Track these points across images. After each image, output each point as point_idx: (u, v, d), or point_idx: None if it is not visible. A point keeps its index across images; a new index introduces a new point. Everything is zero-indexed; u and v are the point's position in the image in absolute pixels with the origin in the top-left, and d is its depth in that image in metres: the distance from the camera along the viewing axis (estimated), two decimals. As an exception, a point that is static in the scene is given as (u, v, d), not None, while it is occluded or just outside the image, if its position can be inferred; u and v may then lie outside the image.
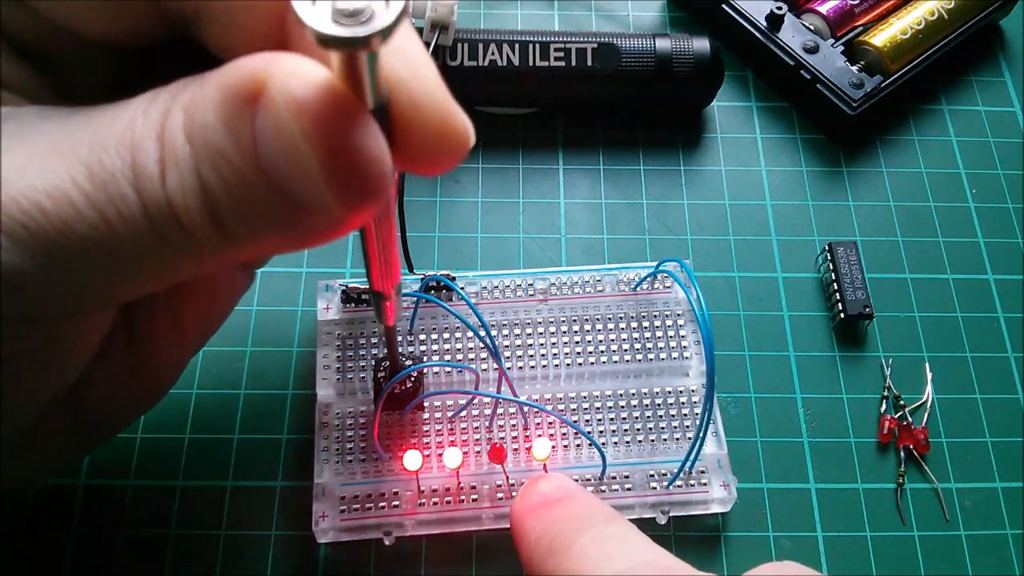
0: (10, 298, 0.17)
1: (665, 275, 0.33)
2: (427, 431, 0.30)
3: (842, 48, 0.38)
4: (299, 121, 0.16)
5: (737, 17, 0.39)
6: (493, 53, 0.36)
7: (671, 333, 0.32)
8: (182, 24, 0.20)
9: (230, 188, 0.17)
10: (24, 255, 0.17)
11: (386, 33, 0.14)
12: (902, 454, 0.32)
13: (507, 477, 0.29)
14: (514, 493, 0.29)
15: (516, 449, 0.30)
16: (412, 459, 0.28)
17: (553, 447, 0.30)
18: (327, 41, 0.14)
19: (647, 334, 0.32)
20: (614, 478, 0.29)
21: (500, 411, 0.30)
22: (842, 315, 0.33)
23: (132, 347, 0.24)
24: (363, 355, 0.31)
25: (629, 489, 0.29)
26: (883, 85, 0.37)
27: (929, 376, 0.33)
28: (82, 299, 0.19)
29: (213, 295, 0.26)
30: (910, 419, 0.32)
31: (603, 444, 0.30)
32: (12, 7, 0.19)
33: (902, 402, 0.33)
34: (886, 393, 0.33)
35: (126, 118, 0.17)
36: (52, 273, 0.17)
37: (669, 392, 0.31)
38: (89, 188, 0.17)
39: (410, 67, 0.18)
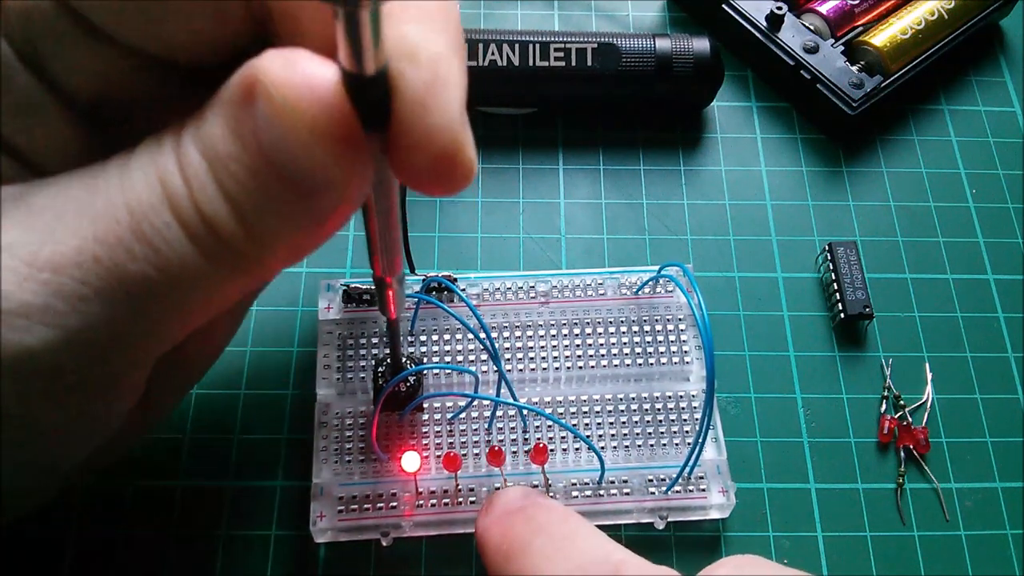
0: (83, 365, 0.18)
1: (667, 279, 0.32)
2: (426, 432, 0.30)
3: (842, 48, 0.38)
4: (283, 91, 0.16)
5: (737, 17, 0.39)
6: (493, 53, 0.36)
7: (672, 338, 0.32)
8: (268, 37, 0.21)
9: (245, 186, 0.18)
10: (89, 314, 0.18)
11: None
12: (902, 454, 0.32)
13: (505, 480, 0.29)
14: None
15: (515, 452, 0.30)
16: (410, 461, 0.28)
17: (552, 450, 0.30)
18: None
19: (648, 338, 0.32)
20: (612, 482, 0.29)
21: (499, 413, 0.30)
22: (842, 315, 0.33)
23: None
24: (363, 355, 0.31)
25: (627, 494, 0.29)
26: (883, 85, 0.37)
27: (929, 376, 0.33)
28: (148, 345, 0.19)
29: (212, 332, 0.26)
30: (910, 419, 0.32)
31: (602, 448, 0.30)
32: (93, 46, 0.19)
33: (902, 402, 0.33)
34: (886, 393, 0.33)
35: (146, 156, 0.18)
36: (118, 324, 0.18)
37: (669, 397, 0.31)
38: (133, 224, 0.18)
39: (431, 82, 0.17)
